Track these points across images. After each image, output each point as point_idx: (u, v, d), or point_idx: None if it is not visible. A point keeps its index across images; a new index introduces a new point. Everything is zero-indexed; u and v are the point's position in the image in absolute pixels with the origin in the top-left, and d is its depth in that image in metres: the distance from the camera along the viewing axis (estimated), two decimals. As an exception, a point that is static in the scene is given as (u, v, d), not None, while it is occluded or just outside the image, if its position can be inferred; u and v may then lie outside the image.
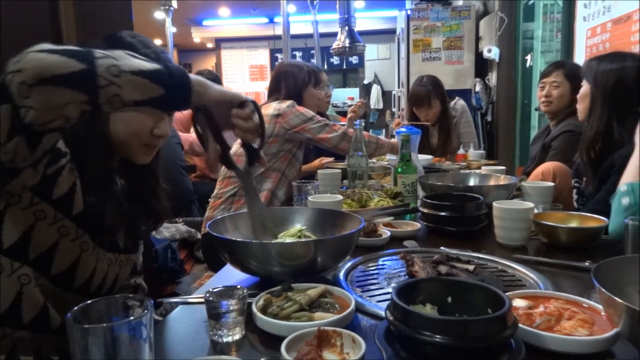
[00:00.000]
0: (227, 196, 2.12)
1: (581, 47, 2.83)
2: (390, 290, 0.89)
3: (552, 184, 1.55)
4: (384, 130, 8.27)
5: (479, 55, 4.41)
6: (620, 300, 0.59)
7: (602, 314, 0.71)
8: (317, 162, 2.65)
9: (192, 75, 0.79)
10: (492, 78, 4.37)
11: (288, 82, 2.31)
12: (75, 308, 0.57)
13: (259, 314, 0.76)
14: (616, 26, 2.43)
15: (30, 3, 1.36)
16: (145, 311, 0.57)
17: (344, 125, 2.46)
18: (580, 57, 2.81)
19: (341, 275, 0.99)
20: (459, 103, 3.07)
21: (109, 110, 0.72)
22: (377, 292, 0.92)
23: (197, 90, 0.79)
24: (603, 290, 0.62)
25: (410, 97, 2.99)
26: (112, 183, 0.97)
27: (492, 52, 4.10)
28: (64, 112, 0.69)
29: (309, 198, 1.39)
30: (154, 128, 0.95)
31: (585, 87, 1.61)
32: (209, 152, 0.88)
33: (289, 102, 2.16)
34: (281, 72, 2.35)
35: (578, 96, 1.66)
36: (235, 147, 1.33)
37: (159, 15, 7.71)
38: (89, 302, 0.59)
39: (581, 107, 1.64)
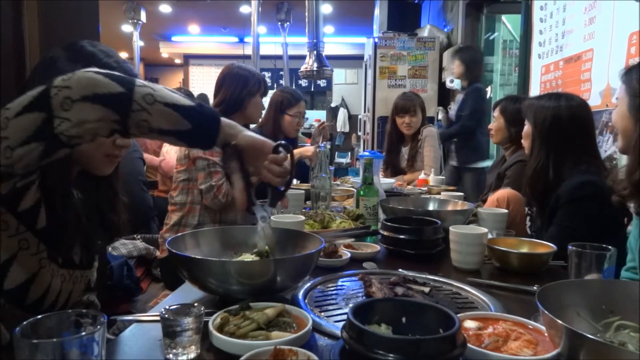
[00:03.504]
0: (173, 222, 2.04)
1: (536, 82, 2.99)
2: (347, 310, 0.90)
3: (506, 210, 1.62)
4: (349, 153, 8.40)
5: (442, 85, 4.58)
6: (560, 322, 0.62)
7: (546, 335, 0.74)
8: None
9: (225, 119, 0.84)
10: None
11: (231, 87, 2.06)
12: (24, 323, 0.55)
13: (215, 333, 0.75)
14: (567, 65, 2.59)
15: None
16: (98, 327, 0.56)
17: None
18: (535, 92, 2.96)
19: (300, 295, 0.99)
20: (427, 129, 3.17)
21: (135, 134, 0.76)
22: (335, 312, 0.93)
23: (227, 132, 0.84)
24: (545, 312, 0.65)
25: (395, 107, 3.14)
26: (70, 196, 0.95)
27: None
28: (96, 129, 0.72)
29: (272, 217, 1.40)
30: (116, 138, 0.95)
31: (527, 126, 1.72)
32: (235, 189, 0.91)
33: None
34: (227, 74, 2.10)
35: (523, 134, 1.77)
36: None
37: (126, 28, 7.64)
38: (38, 317, 0.57)
39: (526, 144, 1.75)
